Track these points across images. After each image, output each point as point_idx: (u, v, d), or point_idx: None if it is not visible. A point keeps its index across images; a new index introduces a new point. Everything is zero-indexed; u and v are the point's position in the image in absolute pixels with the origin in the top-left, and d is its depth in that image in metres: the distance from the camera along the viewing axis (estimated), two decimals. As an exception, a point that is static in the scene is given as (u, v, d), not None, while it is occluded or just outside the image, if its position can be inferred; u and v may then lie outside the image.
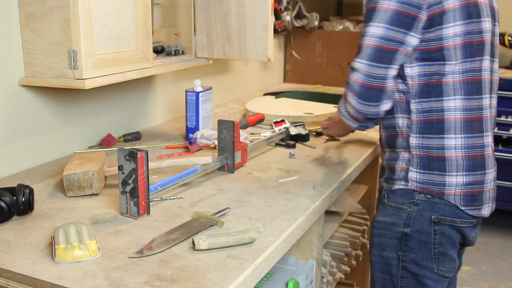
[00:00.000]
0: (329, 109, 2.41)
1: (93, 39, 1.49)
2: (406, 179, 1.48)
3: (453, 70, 1.40)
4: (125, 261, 1.10)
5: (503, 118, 3.41)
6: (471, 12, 1.41)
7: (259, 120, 2.25)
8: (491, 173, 1.51)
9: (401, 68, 1.42)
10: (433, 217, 1.44)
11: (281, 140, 1.99)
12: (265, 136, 2.03)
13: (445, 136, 1.42)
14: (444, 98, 1.41)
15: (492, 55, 1.55)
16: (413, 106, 1.43)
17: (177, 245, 1.18)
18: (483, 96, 1.47)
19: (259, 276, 1.14)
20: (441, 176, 1.43)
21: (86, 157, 1.55)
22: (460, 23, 1.39)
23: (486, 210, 1.48)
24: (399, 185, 1.49)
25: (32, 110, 1.68)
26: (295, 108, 2.44)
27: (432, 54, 1.39)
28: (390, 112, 1.47)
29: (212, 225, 1.26)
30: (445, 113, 1.42)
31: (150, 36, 1.72)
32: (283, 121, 2.16)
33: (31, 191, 1.32)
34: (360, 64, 1.38)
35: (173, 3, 2.16)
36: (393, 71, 1.38)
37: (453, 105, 1.41)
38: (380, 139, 1.60)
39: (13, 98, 1.61)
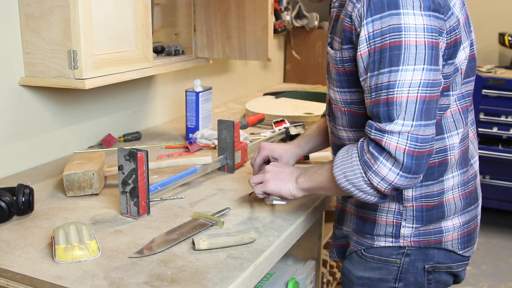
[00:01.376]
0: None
1: (93, 39, 1.49)
2: (397, 236, 1.22)
3: (453, 100, 1.18)
4: (125, 261, 1.10)
5: (503, 118, 3.40)
6: (469, 22, 1.19)
7: (259, 120, 2.25)
8: (480, 202, 1.33)
9: None
10: (426, 266, 1.24)
11: (281, 140, 1.99)
12: (265, 136, 2.03)
13: (444, 178, 1.20)
14: (446, 135, 1.18)
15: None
16: None
17: (177, 245, 1.18)
18: (469, 117, 1.26)
19: (259, 276, 1.14)
20: (437, 223, 1.22)
21: (86, 157, 1.55)
22: (467, 42, 1.16)
23: (476, 244, 1.32)
24: (384, 243, 1.24)
25: (32, 110, 1.68)
26: (295, 108, 2.44)
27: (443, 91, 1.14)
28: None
29: (212, 225, 1.26)
30: (449, 152, 1.19)
31: (150, 36, 1.72)
32: (283, 121, 2.16)
33: (31, 191, 1.32)
34: (404, 126, 1.04)
35: (173, 3, 2.16)
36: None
37: (457, 141, 1.19)
38: None
39: (13, 98, 1.61)
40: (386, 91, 1.05)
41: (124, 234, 1.23)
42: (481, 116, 3.44)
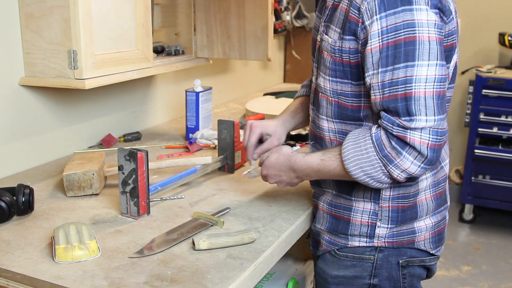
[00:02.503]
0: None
1: (93, 39, 1.49)
2: (371, 236, 1.24)
3: None
4: (125, 261, 1.10)
5: (503, 118, 3.40)
6: (458, 30, 1.21)
7: (259, 120, 2.25)
8: (449, 204, 1.36)
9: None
10: (400, 261, 1.26)
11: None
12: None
13: (419, 179, 1.23)
14: None
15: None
16: None
17: (177, 245, 1.18)
18: None
19: (259, 276, 1.14)
20: (410, 223, 1.25)
21: (86, 157, 1.55)
22: (457, 49, 1.20)
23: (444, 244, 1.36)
24: (358, 242, 1.26)
25: (32, 110, 1.68)
26: (295, 108, 2.43)
27: None
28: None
29: (212, 225, 1.26)
30: None
31: (150, 36, 1.72)
32: (283, 121, 2.15)
33: (31, 191, 1.32)
34: (427, 122, 1.07)
35: (173, 3, 2.16)
36: None
37: None
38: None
39: (13, 98, 1.61)
40: (403, 86, 1.07)
41: (124, 234, 1.23)
42: (481, 116, 3.44)
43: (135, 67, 1.67)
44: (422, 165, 1.09)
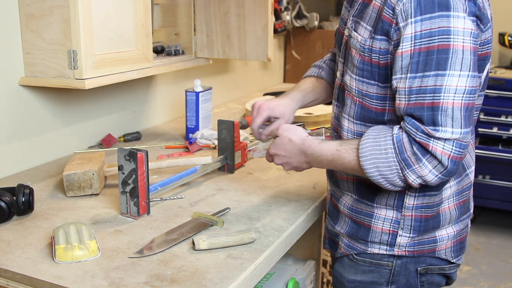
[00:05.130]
0: (329, 109, 2.41)
1: (93, 39, 1.49)
2: (392, 244, 1.21)
3: None
4: (125, 261, 1.10)
5: (503, 118, 3.40)
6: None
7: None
8: (472, 212, 1.33)
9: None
10: (419, 268, 1.23)
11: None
12: (265, 136, 2.03)
13: (442, 188, 1.19)
14: None
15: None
16: None
17: (177, 245, 1.18)
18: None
19: (259, 276, 1.14)
20: (432, 232, 1.22)
21: (86, 157, 1.55)
22: (490, 60, 1.17)
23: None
24: (378, 250, 1.23)
25: (32, 110, 1.68)
26: (295, 108, 2.43)
27: None
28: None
29: (212, 225, 1.26)
30: None
31: (150, 36, 1.72)
32: (283, 121, 2.15)
33: (31, 191, 1.32)
34: (453, 134, 1.03)
35: (173, 3, 2.16)
36: None
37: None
38: (335, 175, 1.28)
39: (13, 98, 1.61)
40: (431, 95, 1.03)
41: (124, 234, 1.23)
42: (481, 116, 3.44)
43: (135, 67, 1.67)
44: (439, 175, 1.06)
